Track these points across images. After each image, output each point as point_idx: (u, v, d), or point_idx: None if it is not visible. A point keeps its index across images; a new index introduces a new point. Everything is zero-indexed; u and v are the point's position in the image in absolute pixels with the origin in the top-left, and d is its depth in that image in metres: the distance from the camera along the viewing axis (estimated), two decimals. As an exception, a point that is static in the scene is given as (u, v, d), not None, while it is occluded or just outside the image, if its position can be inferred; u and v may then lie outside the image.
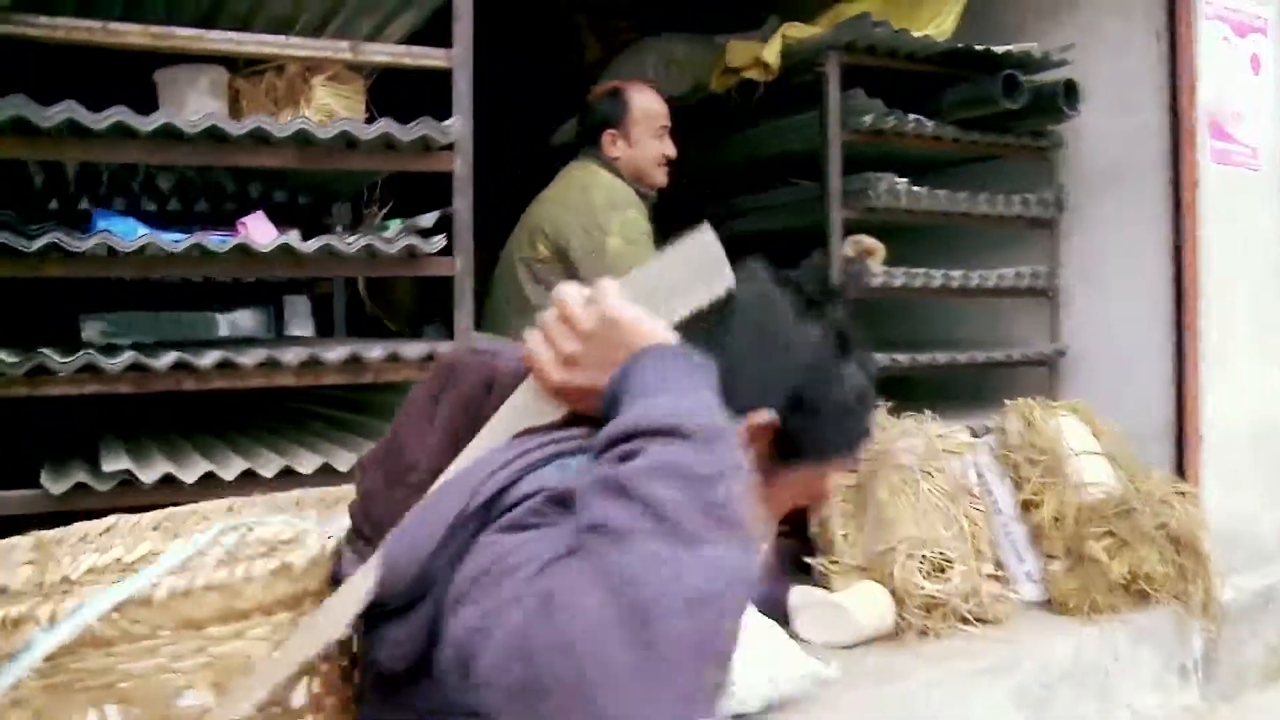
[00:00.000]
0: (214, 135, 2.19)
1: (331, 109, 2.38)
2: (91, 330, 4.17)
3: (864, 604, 2.94)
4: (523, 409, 1.07)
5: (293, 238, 2.24)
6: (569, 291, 1.06)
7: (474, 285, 2.47)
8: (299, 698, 1.04)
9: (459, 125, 2.41)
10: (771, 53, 3.48)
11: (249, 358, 2.22)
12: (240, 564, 1.01)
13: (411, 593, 0.97)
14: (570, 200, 2.86)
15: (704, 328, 1.12)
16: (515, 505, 0.96)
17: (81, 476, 2.12)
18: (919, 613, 2.94)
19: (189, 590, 0.96)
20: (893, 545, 3.06)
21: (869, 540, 3.15)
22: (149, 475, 2.13)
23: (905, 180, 3.45)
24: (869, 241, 3.45)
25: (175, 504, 1.39)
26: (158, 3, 2.36)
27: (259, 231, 2.33)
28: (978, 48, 3.46)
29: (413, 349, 2.39)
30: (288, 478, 2.24)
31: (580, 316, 1.04)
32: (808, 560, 3.18)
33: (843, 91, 3.38)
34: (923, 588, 2.95)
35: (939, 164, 4.00)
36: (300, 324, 4.67)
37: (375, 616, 1.01)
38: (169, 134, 2.14)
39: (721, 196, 4.19)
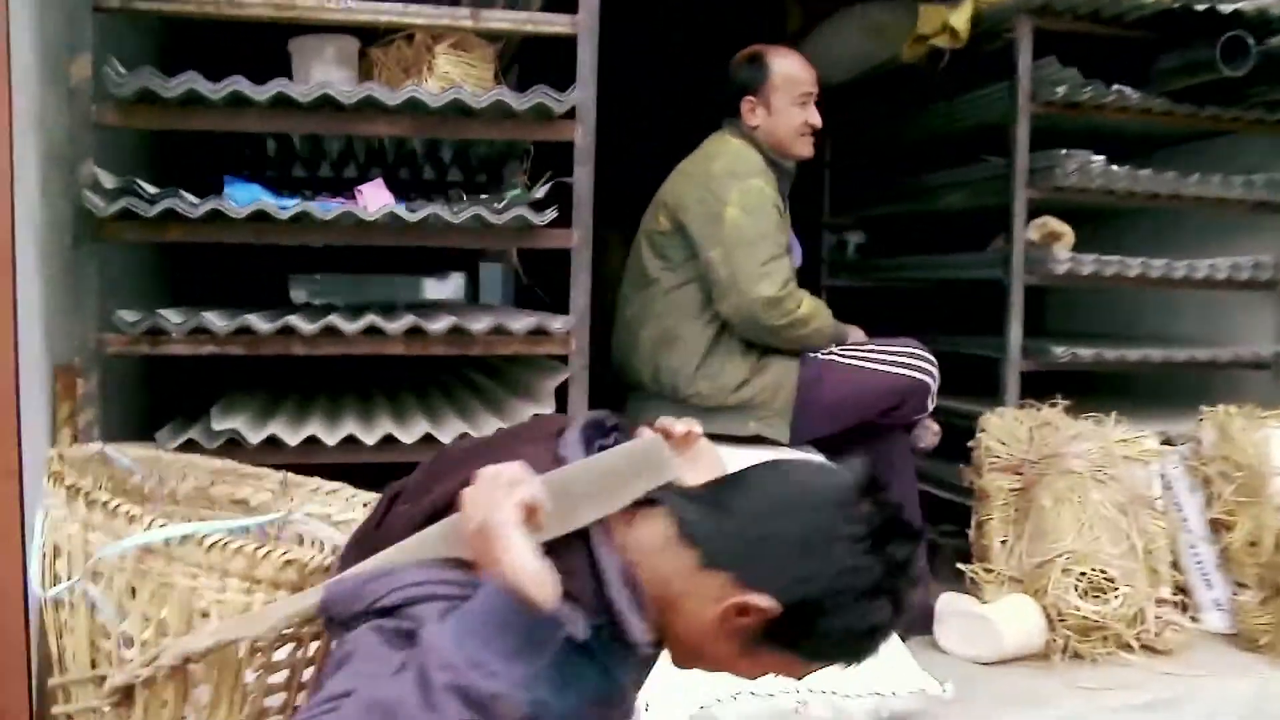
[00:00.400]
0: (328, 103, 2.23)
1: (453, 77, 2.38)
2: (299, 291, 4.41)
3: (1012, 619, 2.70)
4: (447, 538, 1.09)
5: (399, 206, 2.25)
6: (486, 475, 1.03)
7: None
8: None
9: (579, 93, 2.35)
10: (960, 18, 3.22)
11: (353, 325, 2.27)
12: (268, 546, 1.28)
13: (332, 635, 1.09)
14: (693, 170, 2.74)
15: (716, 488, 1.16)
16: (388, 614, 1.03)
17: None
18: (1072, 634, 2.68)
19: (226, 546, 1.27)
20: (1050, 558, 2.80)
21: (1027, 550, 2.89)
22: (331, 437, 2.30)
23: (1101, 159, 3.10)
24: (1055, 224, 3.15)
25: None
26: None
27: (374, 199, 2.36)
28: (1199, 7, 3.05)
29: (520, 323, 2.36)
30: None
31: (469, 514, 1.02)
32: (961, 566, 2.95)
33: (1035, 60, 3.08)
34: (1078, 608, 2.68)
35: (1160, 141, 3.59)
36: (492, 291, 4.77)
37: None
38: (283, 102, 2.20)
39: (914, 170, 3.94)
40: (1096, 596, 2.69)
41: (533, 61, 2.88)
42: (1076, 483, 2.89)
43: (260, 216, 2.20)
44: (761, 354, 2.66)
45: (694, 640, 1.13)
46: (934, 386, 2.73)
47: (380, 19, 2.31)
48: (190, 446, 2.24)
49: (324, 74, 2.35)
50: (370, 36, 2.47)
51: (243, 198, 2.23)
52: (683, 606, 1.11)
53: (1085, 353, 3.17)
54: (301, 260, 4.37)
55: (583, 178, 2.39)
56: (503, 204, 2.32)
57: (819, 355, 2.70)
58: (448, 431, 2.35)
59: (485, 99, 2.27)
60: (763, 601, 1.07)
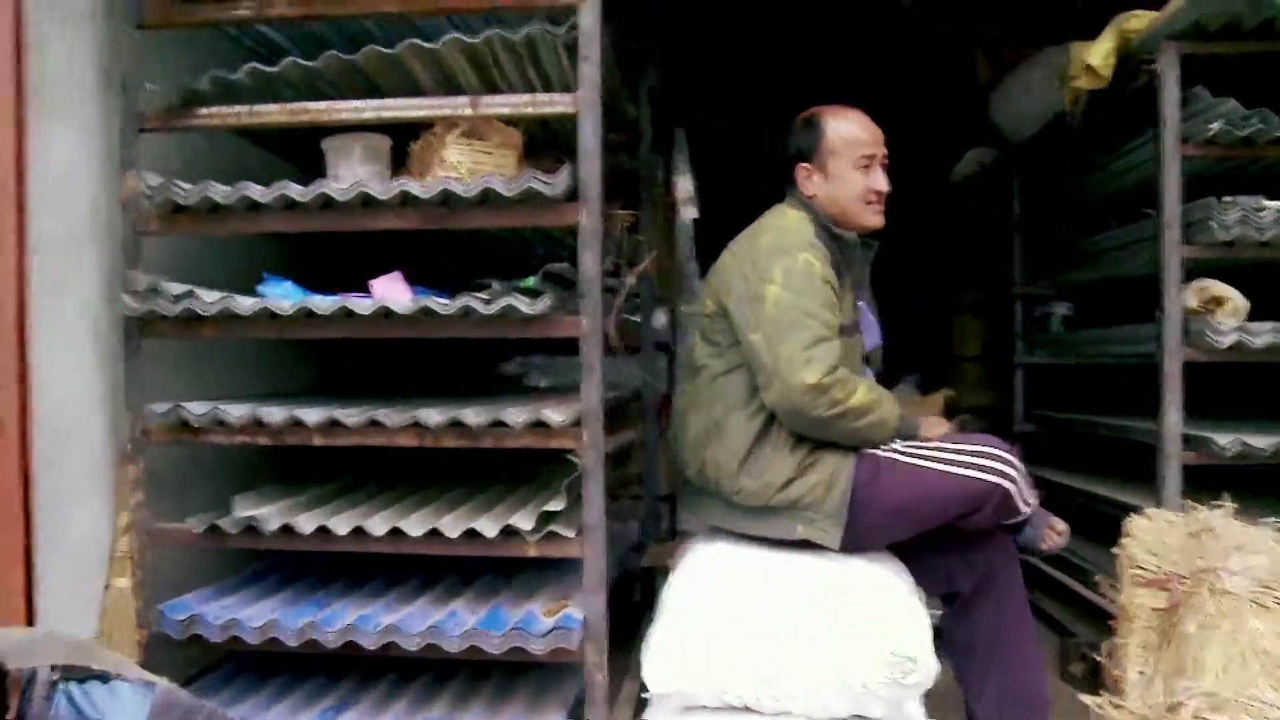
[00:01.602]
0: (328, 204, 2.31)
1: (465, 166, 2.38)
2: (510, 368, 4.54)
3: (1129, 771, 2.23)
4: None
5: (401, 300, 2.28)
6: None
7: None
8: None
9: (583, 171, 2.28)
10: (1097, 54, 2.79)
11: (357, 417, 2.31)
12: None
13: None
14: (740, 246, 2.51)
15: None
16: None
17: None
18: (1203, 798, 2.15)
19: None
20: (1183, 700, 2.27)
21: (1164, 685, 2.38)
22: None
23: (1275, 205, 2.54)
24: (1218, 288, 2.60)
25: None
26: (329, 82, 2.53)
27: (392, 291, 2.40)
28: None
29: (518, 415, 2.29)
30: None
31: None
32: (1085, 699, 2.48)
33: (1183, 91, 2.60)
34: (1213, 765, 2.16)
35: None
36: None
37: None
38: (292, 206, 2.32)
39: (1095, 230, 3.44)
40: (1238, 752, 2.15)
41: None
42: (1231, 606, 2.34)
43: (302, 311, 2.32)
44: (813, 449, 2.37)
45: None
46: (1014, 489, 2.33)
47: (384, 115, 2.37)
48: (215, 531, 2.37)
49: (349, 171, 2.44)
50: (406, 132, 2.53)
51: (283, 294, 2.38)
52: None
53: (1262, 443, 2.58)
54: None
55: (589, 262, 2.29)
56: (490, 297, 2.27)
57: (879, 452, 2.38)
58: (453, 527, 2.33)
59: (474, 188, 2.25)
60: None
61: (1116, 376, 3.90)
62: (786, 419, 2.34)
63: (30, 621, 2.20)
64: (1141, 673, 2.46)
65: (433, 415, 2.30)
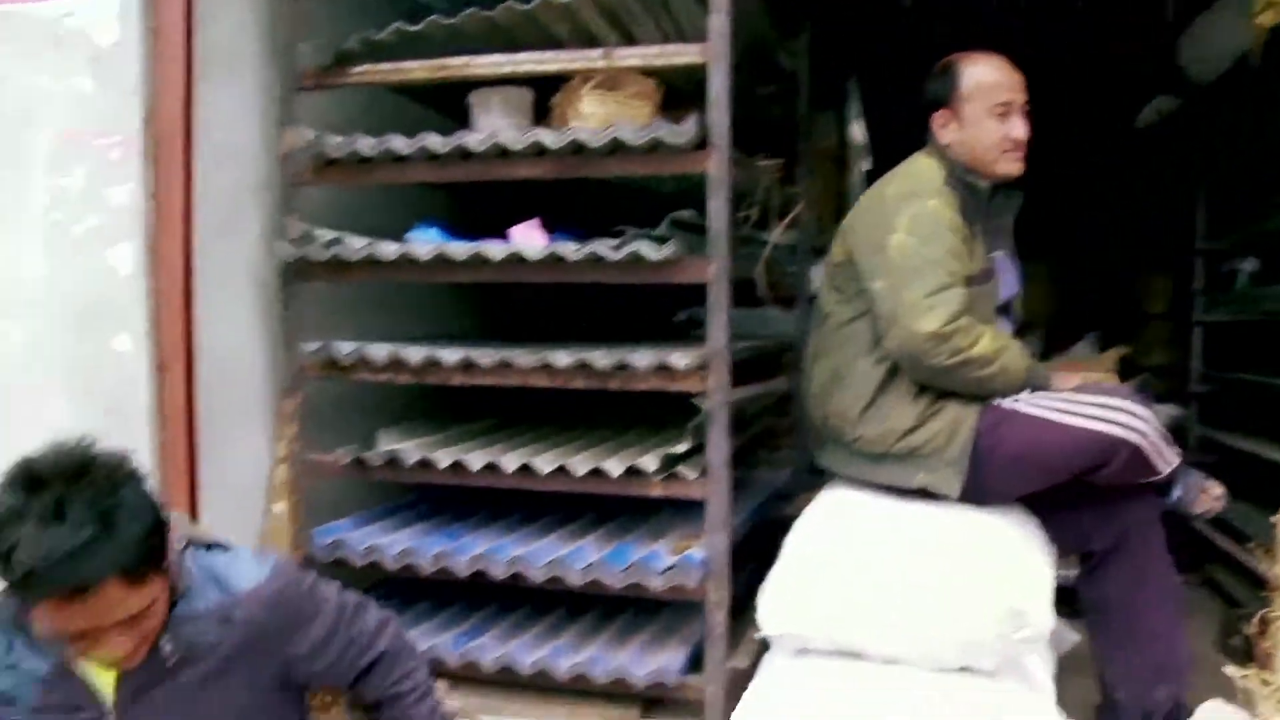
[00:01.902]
0: (467, 155, 2.42)
1: (598, 117, 2.44)
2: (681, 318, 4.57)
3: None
4: None
5: (532, 245, 2.37)
6: None
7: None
8: None
9: (713, 120, 2.29)
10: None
11: (490, 357, 2.42)
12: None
13: None
14: (871, 194, 2.48)
15: None
16: None
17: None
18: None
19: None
20: (1332, 674, 2.16)
21: (1317, 662, 2.26)
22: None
23: None
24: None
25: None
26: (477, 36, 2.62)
27: (529, 238, 2.49)
28: None
29: (643, 359, 2.35)
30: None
31: None
32: (1229, 671, 2.37)
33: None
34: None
35: None
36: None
37: None
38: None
39: (1274, 182, 3.22)
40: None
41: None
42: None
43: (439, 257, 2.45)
44: (936, 398, 2.34)
45: None
46: (1146, 445, 2.23)
47: (519, 69, 2.45)
48: (360, 463, 2.53)
49: (488, 123, 2.54)
50: (551, 86, 2.61)
51: (422, 239, 2.51)
52: None
53: None
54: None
55: (716, 209, 2.32)
56: (619, 241, 2.32)
57: (1003, 402, 2.33)
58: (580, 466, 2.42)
59: (603, 137, 2.31)
60: None
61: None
62: (907, 367, 2.32)
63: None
64: (1292, 647, 2.34)
65: (562, 357, 2.39)
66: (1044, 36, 4.38)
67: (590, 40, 2.56)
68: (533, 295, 3.30)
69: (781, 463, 3.66)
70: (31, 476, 1.34)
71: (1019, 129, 2.41)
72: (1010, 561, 2.12)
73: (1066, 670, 2.59)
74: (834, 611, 2.11)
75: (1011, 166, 2.43)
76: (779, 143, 3.41)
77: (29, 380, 2.50)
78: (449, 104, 2.75)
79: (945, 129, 2.46)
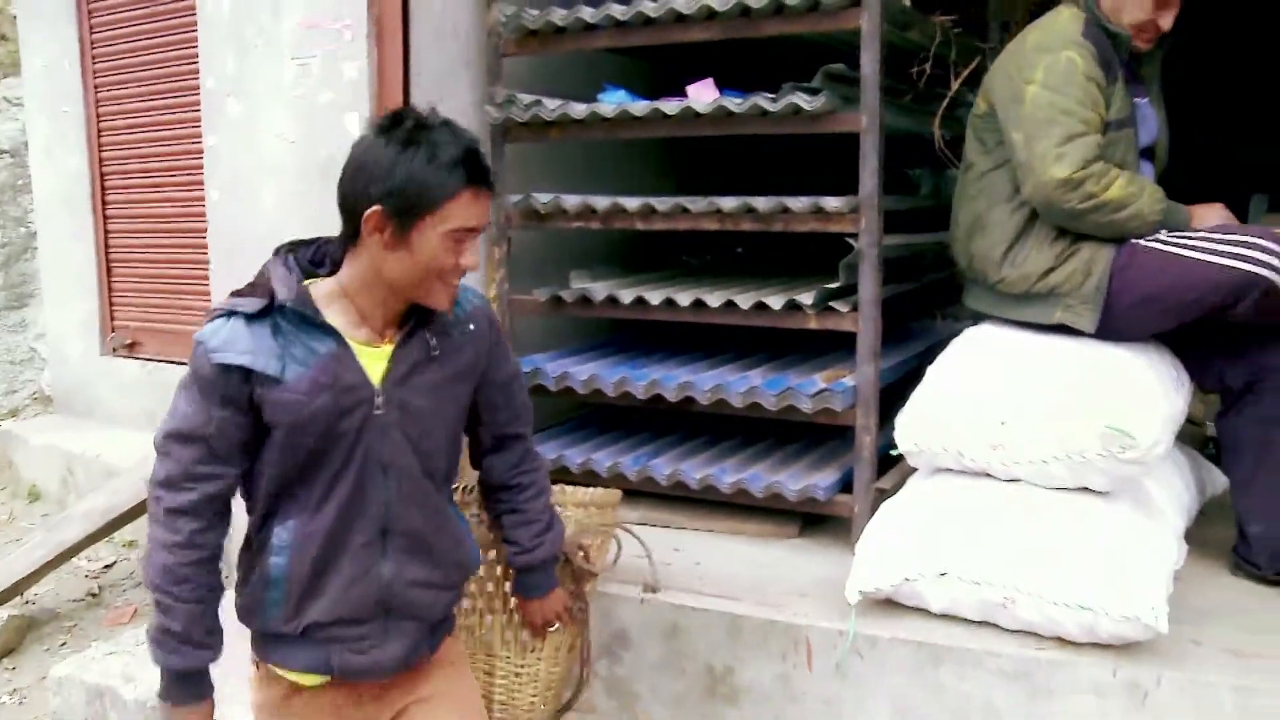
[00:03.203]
0: (649, 21, 2.70)
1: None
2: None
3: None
4: None
5: (703, 100, 2.63)
6: None
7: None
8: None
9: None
10: None
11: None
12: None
13: None
14: (1012, 46, 2.54)
15: None
16: None
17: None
18: None
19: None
20: None
21: None
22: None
23: None
24: None
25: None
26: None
27: (701, 94, 2.75)
28: None
29: (799, 202, 2.58)
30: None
31: None
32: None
33: None
34: None
35: None
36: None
37: None
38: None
39: None
40: None
41: None
42: None
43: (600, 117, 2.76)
44: (1073, 240, 2.43)
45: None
46: None
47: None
48: (556, 300, 2.91)
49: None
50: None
51: (613, 99, 2.83)
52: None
53: None
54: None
55: (868, 62, 2.50)
56: (778, 94, 2.54)
57: (1139, 241, 2.40)
58: (746, 300, 2.70)
59: (761, -2, 2.53)
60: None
61: None
62: (1043, 213, 2.43)
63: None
64: None
65: (729, 202, 2.65)
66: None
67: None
68: (708, 165, 3.54)
69: (959, 317, 3.79)
70: (396, 118, 1.53)
71: None
72: (1123, 388, 2.23)
73: (1219, 511, 2.67)
74: (960, 431, 2.29)
75: (1160, 22, 2.46)
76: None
77: (281, 237, 2.99)
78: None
79: None
